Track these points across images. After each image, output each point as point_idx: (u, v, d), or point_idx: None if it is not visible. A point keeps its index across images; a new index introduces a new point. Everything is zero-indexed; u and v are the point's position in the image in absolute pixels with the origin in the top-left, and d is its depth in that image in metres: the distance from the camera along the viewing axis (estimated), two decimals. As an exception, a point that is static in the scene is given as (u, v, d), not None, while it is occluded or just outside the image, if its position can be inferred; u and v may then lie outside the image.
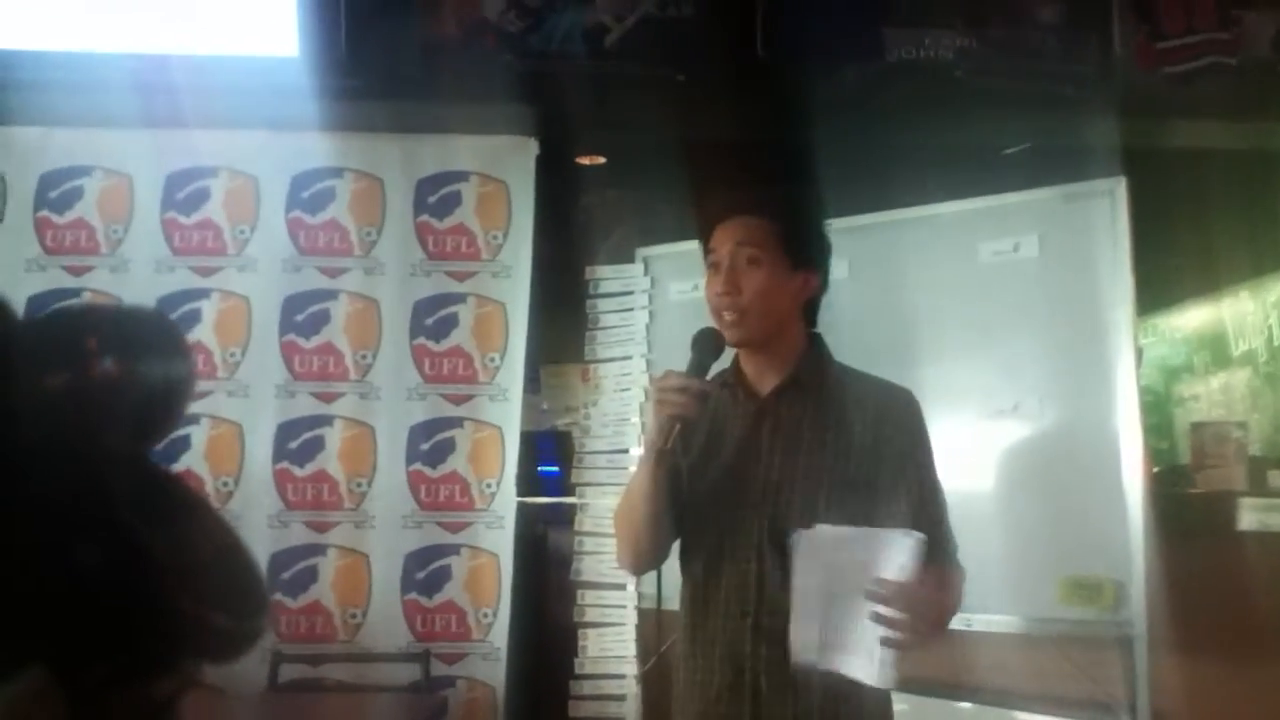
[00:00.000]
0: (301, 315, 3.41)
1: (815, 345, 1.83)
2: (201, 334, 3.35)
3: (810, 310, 1.83)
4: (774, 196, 1.82)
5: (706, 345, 1.74)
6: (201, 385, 3.23)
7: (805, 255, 1.76)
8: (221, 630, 1.31)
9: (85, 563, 1.16)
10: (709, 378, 1.75)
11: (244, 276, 3.43)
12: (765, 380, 1.79)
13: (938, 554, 1.65)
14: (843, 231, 3.23)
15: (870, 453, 1.71)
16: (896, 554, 1.56)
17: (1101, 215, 2.89)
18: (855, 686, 1.62)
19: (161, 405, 1.41)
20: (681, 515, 1.78)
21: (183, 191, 3.44)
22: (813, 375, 1.78)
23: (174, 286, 3.39)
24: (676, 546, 1.83)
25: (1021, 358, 2.97)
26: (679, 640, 1.85)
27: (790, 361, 1.78)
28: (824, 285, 1.82)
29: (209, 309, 3.39)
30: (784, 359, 1.78)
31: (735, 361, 1.84)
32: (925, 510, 1.71)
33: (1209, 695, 2.88)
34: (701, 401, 1.68)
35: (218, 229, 3.44)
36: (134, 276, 3.39)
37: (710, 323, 1.77)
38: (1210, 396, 5.61)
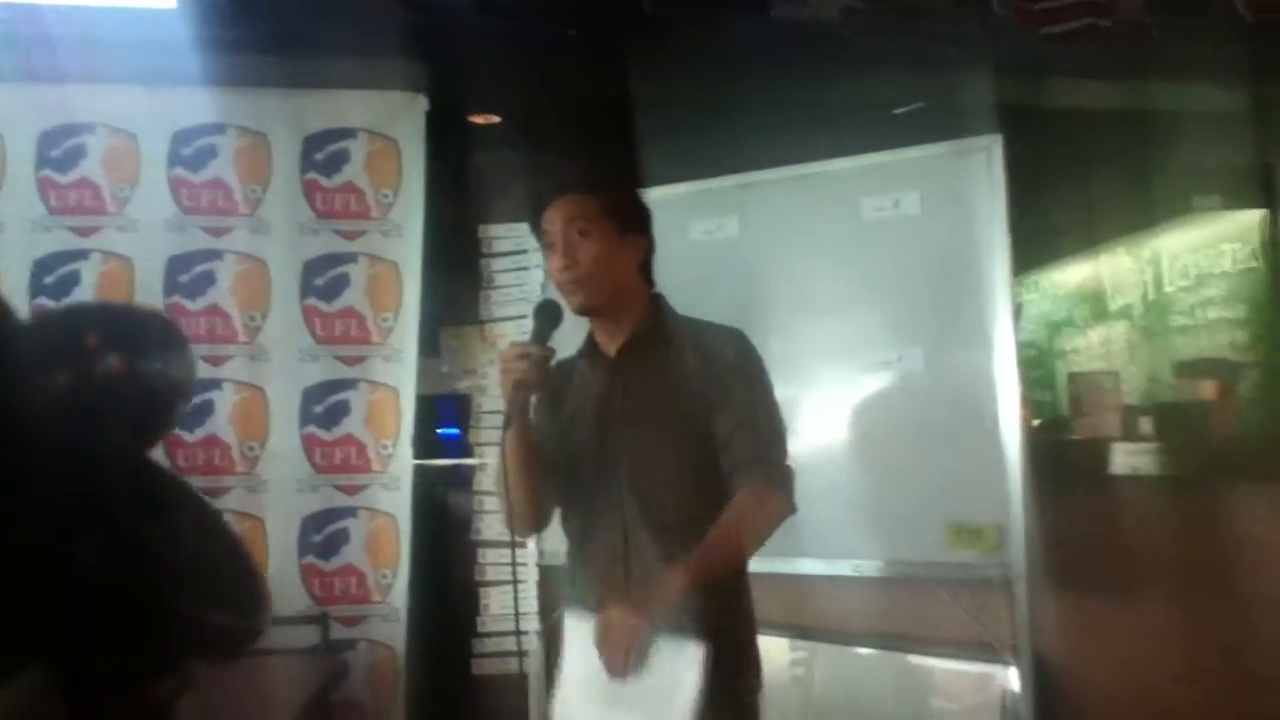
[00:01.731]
0: (186, 276, 3.32)
1: (656, 304, 1.94)
2: (81, 297, 3.23)
3: (646, 272, 1.95)
4: (595, 172, 1.96)
5: (546, 314, 1.84)
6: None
7: (630, 221, 1.89)
8: (221, 629, 1.30)
9: (85, 562, 1.15)
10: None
11: (125, 236, 3.32)
12: (614, 344, 1.91)
13: (750, 472, 1.76)
14: (732, 189, 3.30)
15: (704, 393, 1.82)
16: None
17: (979, 172, 2.97)
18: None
19: (162, 404, 1.40)
20: (557, 482, 1.89)
21: (58, 149, 3.31)
22: (654, 331, 1.89)
23: (51, 248, 3.28)
24: None
25: (904, 311, 3.05)
26: (564, 596, 1.94)
27: (635, 323, 1.90)
28: (651, 247, 1.94)
29: (89, 271, 3.28)
30: (629, 321, 1.90)
31: (589, 332, 1.95)
32: (744, 430, 1.80)
33: (1087, 633, 3.02)
34: (542, 366, 1.78)
35: (96, 187, 3.32)
36: (8, 238, 3.25)
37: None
38: (1090, 349, 5.84)
